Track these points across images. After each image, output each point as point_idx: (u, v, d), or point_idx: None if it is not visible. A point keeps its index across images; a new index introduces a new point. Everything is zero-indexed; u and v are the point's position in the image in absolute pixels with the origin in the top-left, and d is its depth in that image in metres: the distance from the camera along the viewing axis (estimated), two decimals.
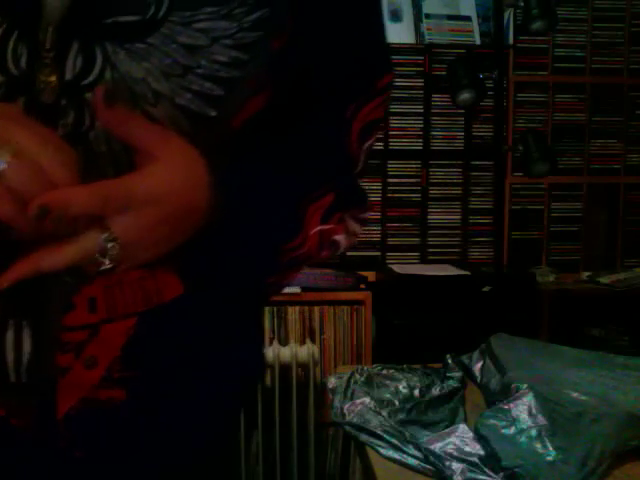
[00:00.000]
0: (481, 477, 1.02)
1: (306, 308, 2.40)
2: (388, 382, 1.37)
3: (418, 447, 1.11)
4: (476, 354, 1.46)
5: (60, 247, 0.49)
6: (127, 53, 0.55)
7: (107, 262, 0.50)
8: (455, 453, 1.08)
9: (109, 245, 0.49)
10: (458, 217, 2.71)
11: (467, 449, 1.09)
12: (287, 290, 2.37)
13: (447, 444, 1.10)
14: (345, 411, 1.26)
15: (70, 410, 0.60)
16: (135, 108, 0.56)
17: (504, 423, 1.10)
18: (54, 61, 0.54)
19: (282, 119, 0.65)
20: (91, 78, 0.55)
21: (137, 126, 0.52)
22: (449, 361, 1.47)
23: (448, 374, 1.42)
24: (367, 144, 0.70)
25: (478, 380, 1.40)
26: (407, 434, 1.16)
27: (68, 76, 0.54)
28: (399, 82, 2.65)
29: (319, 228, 0.65)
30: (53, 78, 0.54)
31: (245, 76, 0.59)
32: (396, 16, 2.71)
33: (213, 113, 0.58)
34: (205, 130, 0.58)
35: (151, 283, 0.61)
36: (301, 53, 0.63)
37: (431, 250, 2.70)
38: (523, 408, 1.12)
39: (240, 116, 0.61)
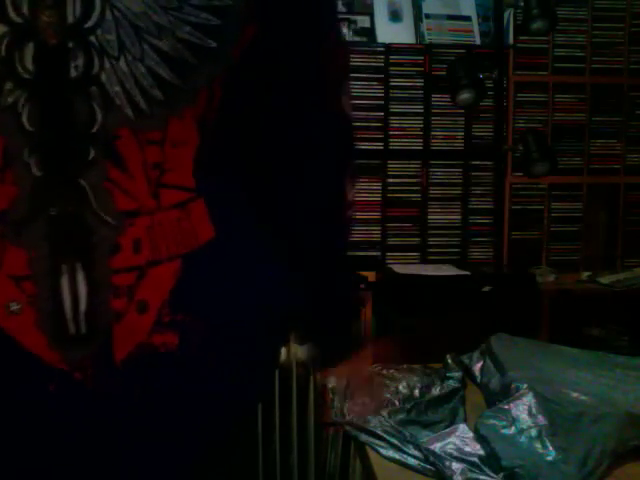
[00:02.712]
0: (481, 477, 1.02)
1: None
2: (388, 382, 1.37)
3: (418, 447, 1.11)
4: (476, 354, 1.46)
5: None
6: None
7: None
8: (455, 453, 1.08)
9: None
10: (458, 217, 2.71)
11: (467, 449, 1.09)
12: None
13: (447, 444, 1.10)
14: (345, 411, 1.26)
15: (127, 356, 0.61)
16: (140, 41, 0.58)
17: (504, 423, 1.10)
18: (55, 3, 0.56)
19: (272, 51, 0.69)
20: (93, 20, 0.57)
21: None
22: (449, 361, 1.47)
23: (448, 374, 1.42)
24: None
25: (478, 380, 1.40)
26: (407, 434, 1.16)
27: (70, 20, 0.56)
28: (399, 82, 2.65)
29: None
30: (55, 19, 0.56)
31: (236, 5, 0.62)
32: (396, 16, 2.71)
33: (213, 44, 0.60)
34: (210, 61, 0.61)
35: (187, 224, 0.64)
36: None
37: (431, 250, 2.70)
38: (523, 408, 1.12)
39: (238, 47, 0.64)
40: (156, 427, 0.64)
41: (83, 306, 0.59)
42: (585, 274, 2.72)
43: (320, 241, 0.77)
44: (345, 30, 2.65)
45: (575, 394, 1.17)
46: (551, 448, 1.04)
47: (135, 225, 0.60)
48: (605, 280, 2.59)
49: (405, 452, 1.12)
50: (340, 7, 2.66)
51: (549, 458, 1.03)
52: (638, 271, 2.69)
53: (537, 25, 2.31)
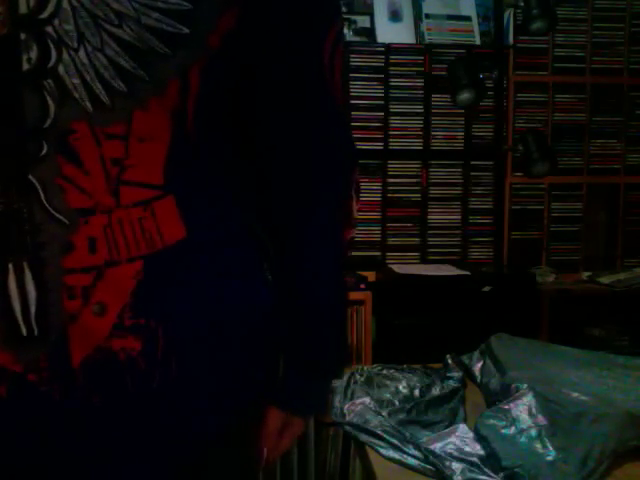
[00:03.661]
0: (481, 477, 1.02)
1: None
2: (388, 382, 1.37)
3: (418, 447, 1.11)
4: (476, 354, 1.46)
5: None
6: None
7: None
8: (455, 453, 1.08)
9: None
10: (458, 217, 2.71)
11: (467, 449, 1.09)
12: None
13: (447, 444, 1.10)
14: (345, 411, 1.26)
15: (86, 360, 0.58)
16: (99, 31, 0.55)
17: (504, 423, 1.10)
18: None
19: (258, 40, 0.64)
20: (50, 10, 0.54)
21: None
22: (449, 361, 1.47)
23: (448, 374, 1.42)
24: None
25: (478, 380, 1.40)
26: (407, 434, 1.16)
27: (22, 10, 0.54)
28: (399, 82, 2.64)
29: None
30: (3, 9, 0.54)
31: None
32: (396, 16, 2.71)
33: (186, 30, 0.57)
34: (183, 50, 0.57)
35: (150, 223, 0.60)
36: None
37: (431, 250, 2.70)
38: (523, 408, 1.12)
39: (216, 33, 0.59)
40: (116, 435, 0.61)
41: (33, 308, 0.57)
42: (585, 274, 2.72)
43: (314, 244, 0.72)
44: (345, 30, 2.65)
45: (575, 394, 1.17)
46: (551, 448, 1.04)
47: (90, 223, 0.57)
48: (605, 280, 2.59)
49: (405, 452, 1.12)
50: None
51: (549, 458, 1.03)
52: (638, 271, 2.69)
53: (537, 25, 2.31)
